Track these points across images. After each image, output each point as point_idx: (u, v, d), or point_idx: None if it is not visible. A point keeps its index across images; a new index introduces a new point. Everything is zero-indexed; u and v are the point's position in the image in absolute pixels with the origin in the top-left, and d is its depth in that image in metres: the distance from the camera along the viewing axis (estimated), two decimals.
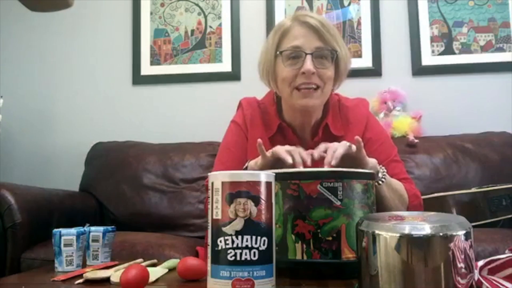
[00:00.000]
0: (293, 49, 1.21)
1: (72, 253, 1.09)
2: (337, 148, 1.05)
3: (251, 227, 0.73)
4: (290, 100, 1.24)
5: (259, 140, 1.09)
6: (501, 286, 0.75)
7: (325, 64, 1.22)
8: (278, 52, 1.24)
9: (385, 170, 1.14)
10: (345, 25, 2.40)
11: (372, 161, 1.09)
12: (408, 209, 1.22)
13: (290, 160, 1.03)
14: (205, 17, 2.50)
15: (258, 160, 1.11)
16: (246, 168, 1.16)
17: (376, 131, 1.33)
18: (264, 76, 1.31)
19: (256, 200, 0.74)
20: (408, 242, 0.64)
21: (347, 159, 1.05)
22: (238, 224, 0.73)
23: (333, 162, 1.02)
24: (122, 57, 2.53)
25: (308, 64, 1.18)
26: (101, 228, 1.19)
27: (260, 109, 1.35)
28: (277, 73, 1.26)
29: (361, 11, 2.40)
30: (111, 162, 2.22)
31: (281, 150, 1.06)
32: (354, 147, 1.06)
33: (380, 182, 1.11)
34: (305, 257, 0.90)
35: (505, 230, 1.64)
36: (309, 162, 1.05)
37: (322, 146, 1.08)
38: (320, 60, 1.21)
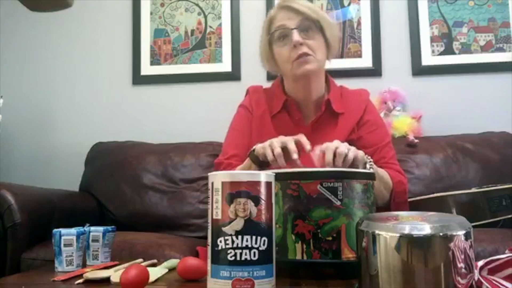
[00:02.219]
0: (279, 28, 1.36)
1: (72, 253, 1.09)
2: (342, 150, 1.07)
3: (251, 227, 0.73)
4: (292, 73, 1.37)
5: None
6: (501, 286, 0.75)
7: (311, 35, 1.35)
8: (269, 36, 1.39)
9: (372, 160, 1.21)
10: (345, 25, 2.40)
11: (360, 153, 1.15)
12: (392, 195, 1.30)
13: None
14: (205, 17, 2.50)
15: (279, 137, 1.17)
16: (253, 151, 1.21)
17: (375, 116, 1.46)
18: (265, 62, 1.46)
19: (256, 200, 0.74)
20: (408, 242, 0.64)
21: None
22: (238, 224, 0.73)
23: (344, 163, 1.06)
24: (122, 57, 2.53)
25: (295, 36, 1.32)
26: (101, 228, 1.19)
27: (265, 93, 1.49)
28: (275, 56, 1.41)
29: (361, 11, 2.40)
30: (111, 162, 2.22)
31: (289, 141, 1.12)
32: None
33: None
34: (305, 257, 0.90)
35: (505, 230, 1.63)
36: (308, 147, 1.10)
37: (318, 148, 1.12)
38: (306, 33, 1.35)
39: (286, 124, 1.40)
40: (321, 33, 1.37)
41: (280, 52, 1.37)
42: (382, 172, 1.28)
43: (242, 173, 0.78)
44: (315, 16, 1.36)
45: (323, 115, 1.39)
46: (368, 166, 1.17)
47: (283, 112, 1.42)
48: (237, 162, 1.34)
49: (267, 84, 1.56)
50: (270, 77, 2.33)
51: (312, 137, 1.33)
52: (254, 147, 1.22)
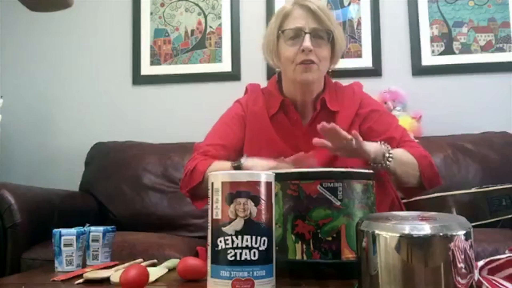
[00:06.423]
0: (293, 29, 1.33)
1: (72, 253, 1.09)
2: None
3: (251, 227, 0.73)
4: (293, 75, 1.35)
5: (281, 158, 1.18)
6: (501, 286, 0.75)
7: (321, 44, 1.33)
8: (280, 32, 1.36)
9: (390, 148, 1.20)
10: (345, 25, 2.40)
11: (374, 147, 1.16)
12: (421, 172, 1.27)
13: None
14: (205, 17, 2.50)
15: (268, 163, 1.18)
16: (240, 164, 1.20)
17: (374, 104, 1.44)
18: (267, 54, 1.43)
19: (256, 200, 0.74)
20: (408, 242, 0.64)
21: (349, 152, 1.14)
22: (238, 224, 0.73)
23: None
24: (122, 57, 2.53)
25: (307, 42, 1.30)
26: (101, 228, 1.19)
27: (263, 93, 1.47)
28: (280, 51, 1.38)
29: (361, 11, 2.40)
30: (111, 162, 2.22)
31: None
32: (354, 142, 1.13)
33: (389, 160, 1.18)
34: (305, 257, 0.90)
35: (505, 230, 1.64)
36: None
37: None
38: (317, 40, 1.32)
39: (284, 125, 1.40)
40: (330, 44, 1.35)
41: (286, 50, 1.35)
42: (402, 155, 1.25)
43: (242, 173, 0.78)
44: (330, 26, 1.33)
45: (319, 114, 1.38)
46: (387, 154, 1.18)
47: (280, 112, 1.41)
48: (216, 151, 1.35)
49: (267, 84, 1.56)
50: (270, 77, 2.32)
51: (311, 137, 1.32)
52: (242, 161, 1.22)
